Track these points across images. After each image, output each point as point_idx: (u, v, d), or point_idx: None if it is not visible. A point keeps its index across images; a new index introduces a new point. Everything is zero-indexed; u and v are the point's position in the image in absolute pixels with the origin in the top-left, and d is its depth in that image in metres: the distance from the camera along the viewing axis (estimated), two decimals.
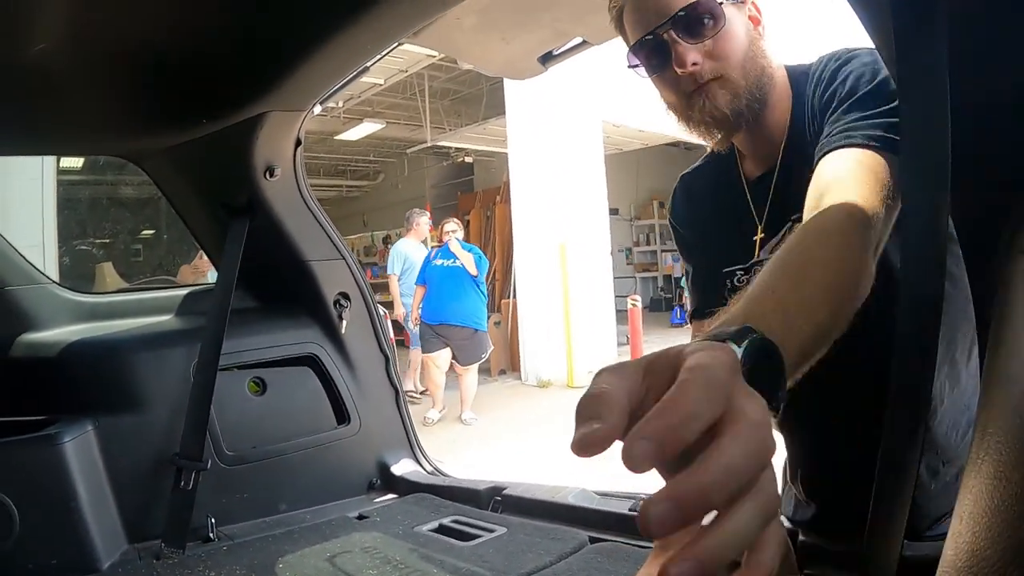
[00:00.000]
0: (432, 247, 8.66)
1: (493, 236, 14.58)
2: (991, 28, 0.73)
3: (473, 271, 7.28)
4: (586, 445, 0.43)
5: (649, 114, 12.29)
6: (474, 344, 7.37)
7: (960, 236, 0.88)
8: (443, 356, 7.37)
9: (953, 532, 0.50)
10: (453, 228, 7.55)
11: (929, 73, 0.77)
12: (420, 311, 7.48)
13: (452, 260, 7.36)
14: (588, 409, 0.45)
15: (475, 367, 7.57)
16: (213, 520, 1.80)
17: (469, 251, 7.44)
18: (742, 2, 1.21)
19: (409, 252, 8.28)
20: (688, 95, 1.18)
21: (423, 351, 7.52)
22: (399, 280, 8.10)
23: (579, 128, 10.63)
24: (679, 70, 1.15)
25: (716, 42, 1.14)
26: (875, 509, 0.80)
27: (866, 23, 0.86)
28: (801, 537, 1.29)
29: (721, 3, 1.14)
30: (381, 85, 11.97)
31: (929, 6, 0.74)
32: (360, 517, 1.88)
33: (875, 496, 0.79)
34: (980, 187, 0.84)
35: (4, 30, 1.31)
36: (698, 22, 1.13)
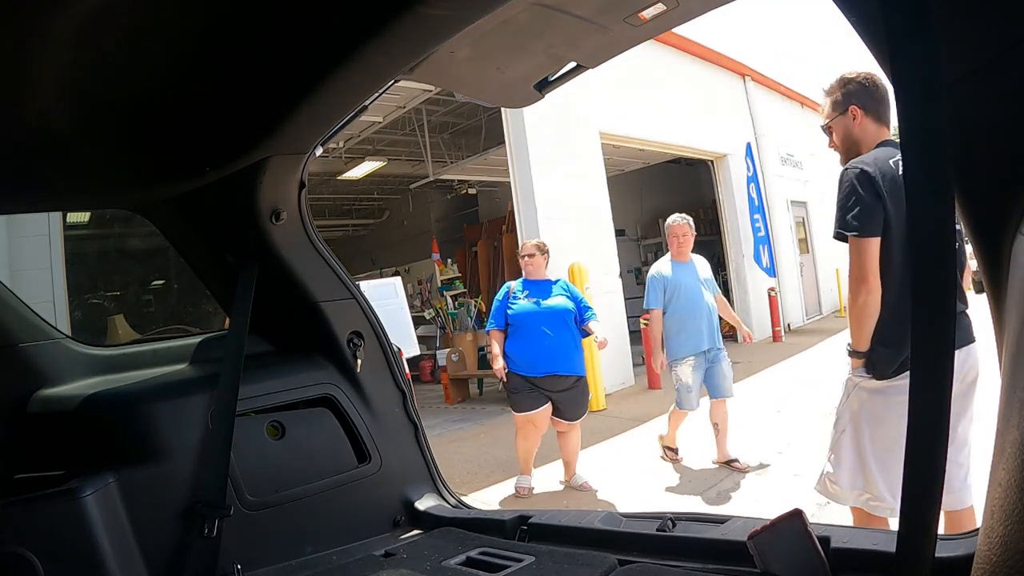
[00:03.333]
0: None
1: (502, 265, 14.61)
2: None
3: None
4: None
5: (646, 125, 12.38)
6: (580, 393, 5.72)
7: (969, 224, 0.88)
8: (543, 413, 5.62)
9: (985, 527, 0.49)
10: (533, 252, 5.80)
11: (924, 73, 0.78)
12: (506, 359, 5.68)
13: (547, 298, 5.66)
14: None
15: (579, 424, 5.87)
16: (239, 567, 1.79)
17: (565, 292, 5.73)
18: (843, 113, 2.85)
19: (669, 275, 6.12)
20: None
21: (519, 410, 5.67)
22: (663, 314, 6.10)
23: (579, 149, 10.69)
24: None
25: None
26: (905, 511, 0.80)
27: (856, 24, 0.86)
28: (834, 544, 1.28)
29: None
30: (380, 123, 12.06)
31: (918, 10, 0.75)
32: (387, 555, 1.87)
33: (904, 498, 0.78)
34: (988, 182, 0.84)
35: (6, 88, 1.33)
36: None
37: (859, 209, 2.79)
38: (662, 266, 6.23)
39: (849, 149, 3.01)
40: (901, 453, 2.28)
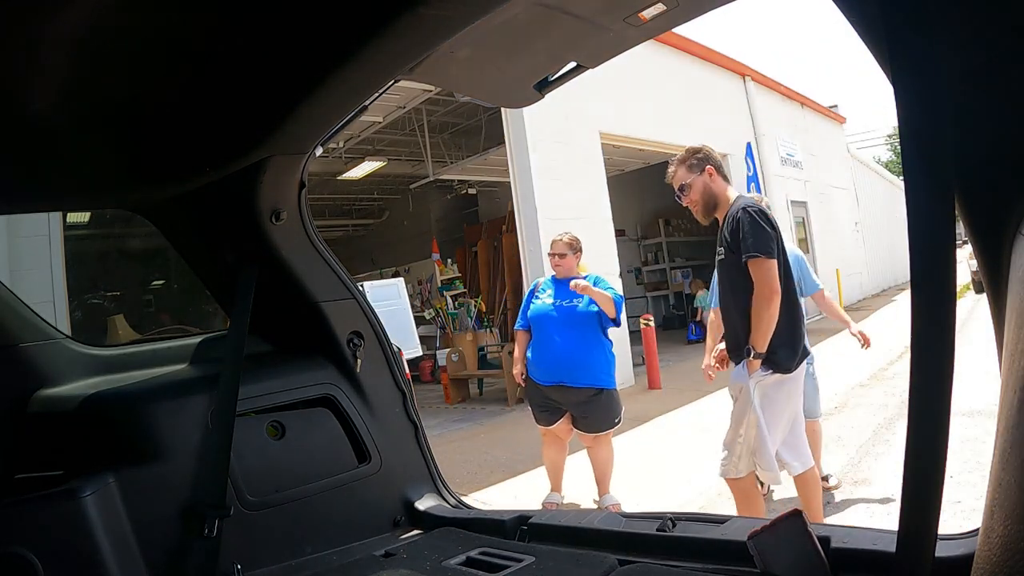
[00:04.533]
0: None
1: (502, 265, 14.62)
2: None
3: (611, 313, 5.07)
4: None
5: (645, 125, 12.38)
6: (599, 407, 5.11)
7: (969, 224, 0.88)
8: (560, 427, 5.25)
9: (985, 527, 0.49)
10: (565, 252, 5.26)
11: (924, 73, 0.78)
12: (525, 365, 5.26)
13: (569, 300, 5.16)
14: None
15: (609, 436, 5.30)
16: (239, 566, 1.79)
17: (598, 285, 5.10)
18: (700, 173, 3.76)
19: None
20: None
21: (536, 421, 5.39)
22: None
23: (579, 149, 10.69)
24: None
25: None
26: (905, 511, 0.79)
27: (856, 24, 0.86)
28: (834, 544, 1.28)
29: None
30: (380, 123, 12.09)
31: (918, 10, 0.75)
32: (387, 555, 1.87)
33: (904, 498, 0.78)
34: (988, 182, 0.84)
35: (6, 88, 1.33)
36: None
37: (765, 237, 3.56)
38: None
39: (708, 202, 3.80)
40: (788, 426, 3.42)
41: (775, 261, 3.55)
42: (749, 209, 3.61)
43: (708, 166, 3.77)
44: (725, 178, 3.84)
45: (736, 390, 3.77)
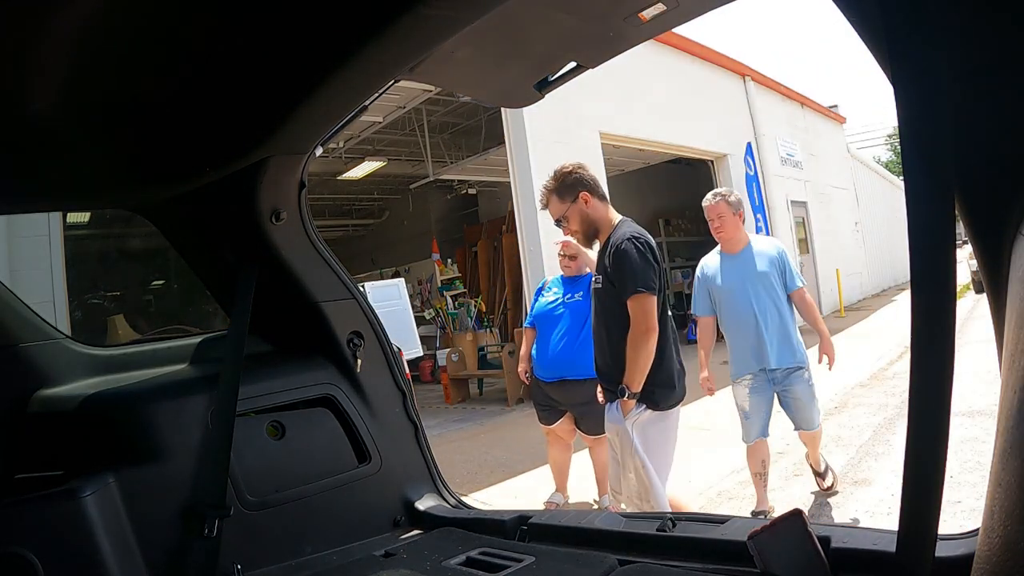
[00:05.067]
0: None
1: (502, 265, 14.62)
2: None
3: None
4: None
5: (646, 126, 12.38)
6: (599, 406, 4.80)
7: (969, 224, 0.88)
8: (562, 427, 5.24)
9: (985, 527, 0.49)
10: (576, 254, 5.06)
11: (924, 73, 0.78)
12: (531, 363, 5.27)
13: (572, 294, 5.20)
14: None
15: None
16: (239, 566, 1.79)
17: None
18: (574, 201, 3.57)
19: (711, 273, 4.96)
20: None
21: (539, 420, 5.36)
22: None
23: (579, 149, 10.69)
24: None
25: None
26: (905, 511, 0.79)
27: (856, 24, 0.86)
28: (834, 544, 1.28)
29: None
30: (380, 123, 12.09)
31: (918, 10, 0.75)
32: (387, 555, 1.87)
33: (904, 498, 0.78)
34: (988, 182, 0.84)
35: (6, 88, 1.33)
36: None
37: (649, 271, 3.37)
38: (707, 261, 4.96)
39: (588, 230, 3.61)
40: (672, 458, 3.24)
41: (656, 298, 3.38)
42: (635, 240, 3.41)
43: (581, 191, 3.55)
44: (603, 197, 3.62)
45: (613, 432, 3.56)
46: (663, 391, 3.47)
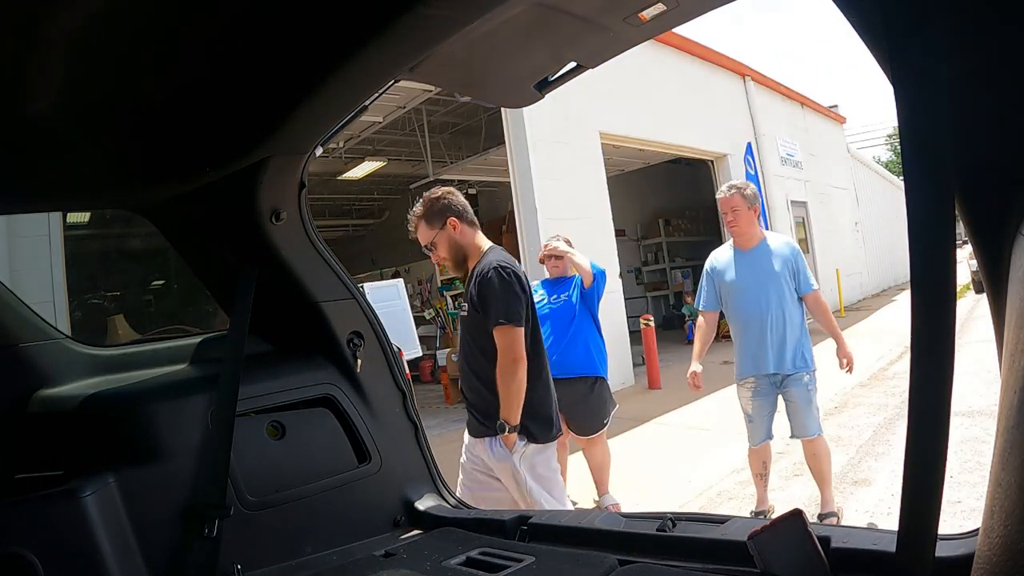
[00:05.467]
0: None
1: None
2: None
3: (588, 280, 5.21)
4: None
5: (647, 125, 12.38)
6: (589, 405, 5.21)
7: (969, 224, 0.88)
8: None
9: (985, 527, 0.49)
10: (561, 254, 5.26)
11: (924, 73, 0.78)
12: None
13: (556, 295, 5.33)
14: None
15: (603, 436, 5.32)
16: (239, 566, 1.79)
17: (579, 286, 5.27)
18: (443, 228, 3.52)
19: (721, 267, 4.81)
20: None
21: None
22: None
23: (579, 149, 10.69)
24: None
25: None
26: (905, 511, 0.79)
27: (856, 25, 0.86)
28: (834, 544, 1.28)
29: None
30: (380, 123, 12.08)
31: (918, 9, 0.75)
32: (387, 555, 1.87)
33: (904, 498, 0.78)
34: (988, 182, 0.84)
35: (6, 88, 1.33)
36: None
37: (515, 303, 3.35)
38: (719, 255, 4.79)
39: (457, 256, 3.59)
40: (563, 489, 3.30)
41: (522, 329, 3.36)
42: (501, 270, 3.38)
43: (449, 217, 3.52)
44: (472, 223, 3.60)
45: (501, 471, 3.49)
46: (538, 424, 3.46)
